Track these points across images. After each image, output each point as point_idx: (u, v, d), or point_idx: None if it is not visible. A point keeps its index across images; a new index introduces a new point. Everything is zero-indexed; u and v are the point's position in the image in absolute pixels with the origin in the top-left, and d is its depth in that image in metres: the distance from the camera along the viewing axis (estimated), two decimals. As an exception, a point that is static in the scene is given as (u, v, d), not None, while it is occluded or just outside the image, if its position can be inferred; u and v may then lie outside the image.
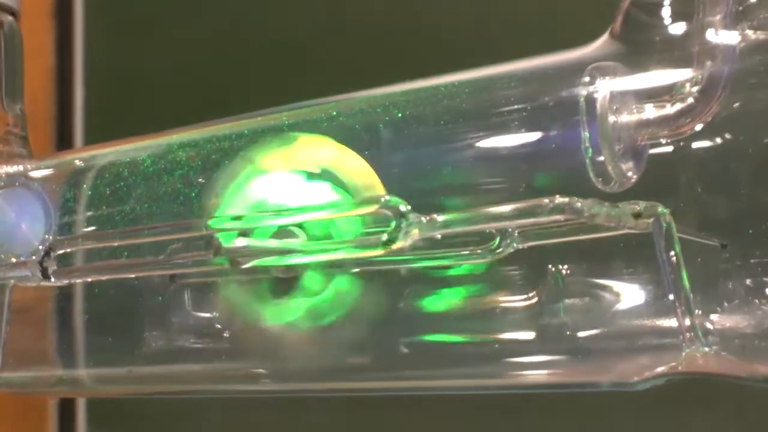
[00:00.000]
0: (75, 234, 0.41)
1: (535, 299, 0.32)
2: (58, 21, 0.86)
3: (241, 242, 0.34)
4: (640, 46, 0.30)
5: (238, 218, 0.35)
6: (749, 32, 0.28)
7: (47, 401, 0.83)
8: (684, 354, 0.29)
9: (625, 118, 0.29)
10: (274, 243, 0.35)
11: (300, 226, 0.35)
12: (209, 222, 0.35)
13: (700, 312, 0.29)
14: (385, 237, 0.31)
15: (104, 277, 0.40)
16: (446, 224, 0.30)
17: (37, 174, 0.42)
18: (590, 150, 0.29)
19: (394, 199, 0.30)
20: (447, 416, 0.65)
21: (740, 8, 0.29)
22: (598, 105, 0.29)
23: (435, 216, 0.30)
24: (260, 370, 0.39)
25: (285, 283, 0.36)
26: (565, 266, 0.31)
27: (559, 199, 0.28)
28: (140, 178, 0.40)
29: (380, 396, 0.58)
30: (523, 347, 0.33)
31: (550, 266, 0.31)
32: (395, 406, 0.66)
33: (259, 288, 0.37)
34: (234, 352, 0.39)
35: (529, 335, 0.32)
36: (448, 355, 0.35)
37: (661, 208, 0.29)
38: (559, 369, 0.33)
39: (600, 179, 0.29)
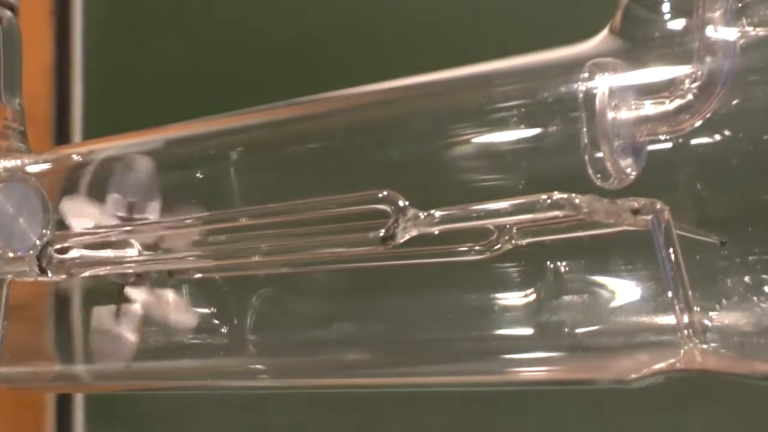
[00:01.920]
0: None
1: (533, 296, 0.32)
2: (57, 18, 0.86)
3: (74, 253, 0.37)
4: (640, 42, 0.30)
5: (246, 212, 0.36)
6: (749, 29, 0.28)
7: (45, 398, 0.82)
8: (683, 351, 0.29)
9: (624, 114, 0.29)
10: (108, 254, 0.36)
11: None
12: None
13: (698, 309, 0.28)
14: (383, 233, 0.31)
15: (102, 272, 0.40)
16: (444, 220, 0.30)
17: (35, 169, 0.42)
18: (589, 146, 0.29)
19: (392, 194, 0.30)
20: (446, 414, 0.65)
21: (740, 4, 0.28)
22: (597, 101, 0.29)
23: (433, 212, 0.30)
24: (258, 365, 0.39)
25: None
26: (564, 263, 0.31)
27: (557, 196, 0.27)
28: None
29: (381, 394, 0.58)
30: (521, 344, 0.33)
31: (548, 263, 0.31)
32: (396, 404, 0.66)
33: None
34: (232, 348, 0.39)
35: (527, 332, 0.32)
36: (446, 351, 0.35)
37: (660, 205, 0.29)
38: (557, 366, 0.33)
39: (599, 176, 0.29)
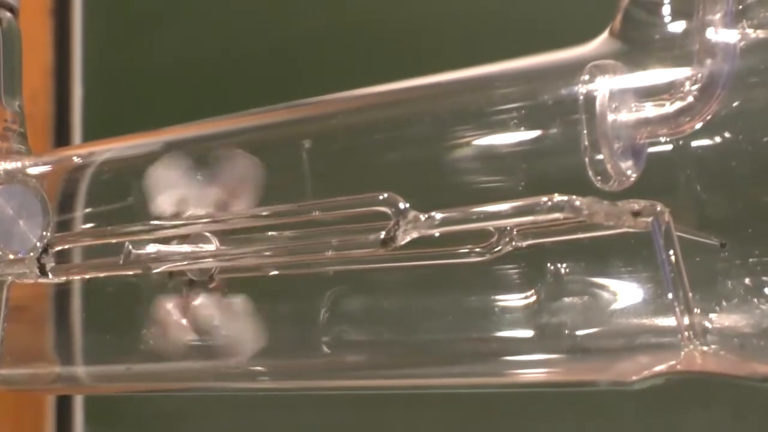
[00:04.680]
0: (73, 231, 0.41)
1: (534, 298, 0.32)
2: (56, 19, 0.86)
3: (151, 248, 0.35)
4: (640, 45, 0.30)
5: (247, 214, 0.35)
6: (749, 31, 0.28)
7: (45, 399, 0.83)
8: (683, 353, 0.29)
9: (624, 116, 0.29)
10: (184, 249, 0.35)
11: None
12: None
13: (699, 311, 0.28)
14: (383, 235, 0.31)
15: (102, 274, 0.40)
16: (444, 222, 0.30)
17: (35, 170, 0.42)
18: (589, 148, 0.29)
19: (393, 196, 0.30)
20: (446, 415, 0.65)
21: (740, 7, 0.28)
22: (597, 103, 0.29)
23: (433, 214, 0.30)
24: (258, 367, 0.39)
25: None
26: (564, 265, 0.31)
27: (557, 198, 0.27)
28: (138, 174, 0.40)
29: (380, 395, 0.58)
30: (522, 346, 0.33)
31: (548, 265, 0.31)
32: (395, 406, 0.66)
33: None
34: (233, 349, 0.39)
35: (528, 334, 0.32)
36: (446, 353, 0.35)
37: (660, 207, 0.29)
38: (558, 368, 0.33)
39: (599, 178, 0.29)
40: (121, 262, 0.35)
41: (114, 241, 0.38)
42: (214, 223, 0.36)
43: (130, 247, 0.35)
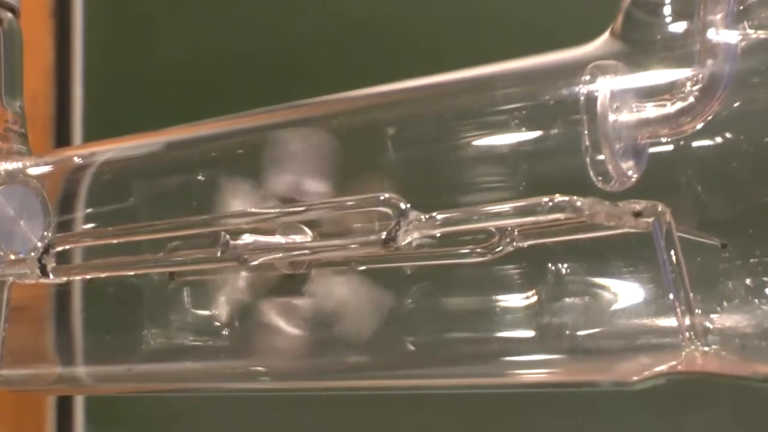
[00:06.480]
0: (74, 231, 0.41)
1: (535, 298, 0.32)
2: (57, 20, 0.86)
3: (248, 239, 0.34)
4: (641, 45, 0.30)
5: (246, 215, 0.35)
6: (750, 31, 0.28)
7: (46, 400, 0.83)
8: (684, 353, 0.29)
9: (625, 116, 0.29)
10: (281, 240, 0.34)
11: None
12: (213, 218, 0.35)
13: (700, 311, 0.28)
14: (384, 235, 0.31)
15: (103, 275, 0.40)
16: (446, 223, 0.30)
17: (36, 171, 0.42)
18: (590, 149, 0.29)
19: (394, 197, 0.30)
20: (447, 416, 0.65)
21: (741, 7, 0.28)
22: (598, 103, 0.29)
23: (434, 214, 0.30)
24: (260, 368, 0.39)
25: (291, 280, 0.36)
26: (565, 265, 0.31)
27: (559, 198, 0.27)
28: (139, 175, 0.40)
29: (381, 395, 0.58)
30: (523, 346, 0.33)
31: (549, 265, 0.31)
32: (395, 406, 0.66)
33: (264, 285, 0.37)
34: (234, 350, 0.39)
35: (529, 334, 0.32)
36: (447, 354, 0.35)
37: (661, 207, 0.29)
38: (559, 368, 0.33)
39: (600, 178, 0.29)
40: (218, 253, 0.33)
41: (115, 241, 0.38)
42: (212, 219, 0.36)
43: (227, 237, 0.33)
